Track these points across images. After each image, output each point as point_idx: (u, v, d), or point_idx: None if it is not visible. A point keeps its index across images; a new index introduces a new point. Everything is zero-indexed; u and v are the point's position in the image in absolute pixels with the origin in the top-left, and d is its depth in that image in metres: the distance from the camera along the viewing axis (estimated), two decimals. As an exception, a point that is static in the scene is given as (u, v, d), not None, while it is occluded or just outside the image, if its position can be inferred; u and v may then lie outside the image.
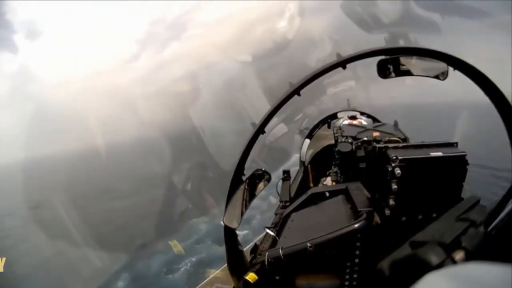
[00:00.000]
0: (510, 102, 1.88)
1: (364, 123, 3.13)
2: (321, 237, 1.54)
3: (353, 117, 3.37)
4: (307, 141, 3.76)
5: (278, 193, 2.79)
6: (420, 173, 1.52)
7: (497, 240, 0.98)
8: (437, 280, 0.75)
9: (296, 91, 1.96)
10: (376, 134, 2.36)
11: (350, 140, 2.36)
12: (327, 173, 2.79)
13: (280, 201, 2.72)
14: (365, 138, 2.30)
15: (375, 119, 3.83)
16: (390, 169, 1.52)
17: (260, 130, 1.99)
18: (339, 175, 2.57)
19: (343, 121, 3.23)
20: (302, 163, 3.63)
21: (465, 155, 1.54)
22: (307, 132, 4.16)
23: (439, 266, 1.06)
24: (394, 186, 1.52)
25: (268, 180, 1.99)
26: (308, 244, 1.52)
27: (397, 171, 1.50)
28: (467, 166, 1.55)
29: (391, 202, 1.54)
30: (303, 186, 3.12)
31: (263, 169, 2.00)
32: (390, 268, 1.37)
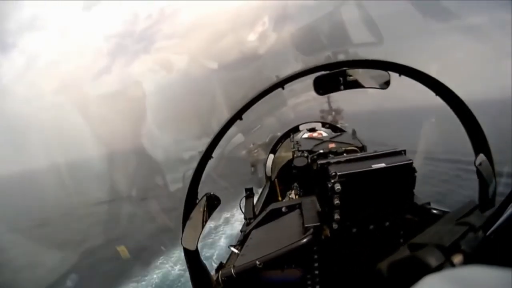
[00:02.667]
0: (459, 98, 1.96)
1: (325, 134, 3.16)
2: (269, 254, 1.57)
3: (312, 129, 3.40)
4: (271, 156, 3.74)
5: (241, 210, 2.76)
6: (362, 187, 1.54)
7: (496, 245, 0.97)
8: (435, 282, 0.74)
9: (238, 115, 1.99)
10: (332, 145, 2.38)
11: (305, 154, 2.37)
12: (292, 186, 2.80)
13: (245, 219, 2.70)
14: (321, 151, 2.29)
15: (337, 129, 3.90)
16: (330, 185, 1.53)
17: (207, 155, 2.00)
18: (298, 189, 2.56)
19: (303, 134, 3.24)
20: (267, 178, 3.61)
21: (411, 163, 1.55)
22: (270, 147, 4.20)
23: (438, 269, 1.04)
24: (337, 201, 1.53)
25: (218, 204, 1.97)
26: (257, 262, 1.54)
27: (337, 186, 1.52)
28: (415, 173, 1.57)
29: (336, 216, 1.56)
30: (270, 200, 3.09)
31: (212, 193, 1.98)
32: (388, 270, 1.34)
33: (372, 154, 1.68)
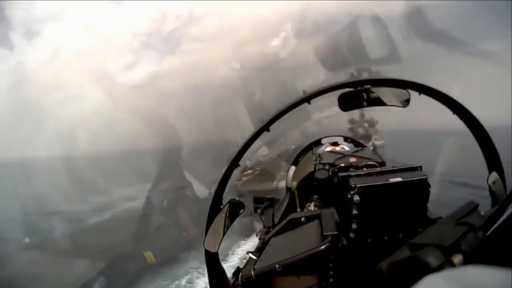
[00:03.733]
0: (477, 119, 2.05)
1: (347, 148, 3.19)
2: (288, 259, 1.63)
3: (335, 143, 3.43)
4: (293, 168, 3.80)
5: (261, 219, 2.83)
6: (379, 199, 1.61)
7: (496, 245, 0.99)
8: (435, 282, 0.75)
9: (266, 127, 2.14)
10: (352, 160, 2.44)
11: (327, 167, 2.42)
12: (312, 198, 2.84)
13: (264, 227, 2.78)
14: (342, 165, 2.35)
15: (358, 143, 3.91)
16: (349, 196, 1.62)
17: (234, 164, 2.15)
18: (318, 200, 2.61)
19: (325, 147, 3.28)
20: (288, 189, 3.65)
21: (426, 178, 1.61)
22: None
23: (438, 269, 1.06)
24: (355, 212, 1.61)
25: (242, 209, 2.13)
26: (277, 265, 1.61)
27: (356, 198, 1.60)
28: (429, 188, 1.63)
29: (354, 226, 1.64)
30: (289, 211, 3.14)
31: (238, 199, 2.13)
32: (389, 270, 1.37)
33: (390, 169, 1.75)
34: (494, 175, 2.05)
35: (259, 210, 2.87)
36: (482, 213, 1.39)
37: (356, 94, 2.09)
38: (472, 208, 1.49)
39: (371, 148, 3.20)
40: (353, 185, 1.61)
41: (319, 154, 2.93)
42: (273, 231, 2.17)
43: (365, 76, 2.26)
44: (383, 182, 1.61)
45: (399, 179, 1.61)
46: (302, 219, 2.08)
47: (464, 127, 2.12)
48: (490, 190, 1.98)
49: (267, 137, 2.22)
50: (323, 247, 1.62)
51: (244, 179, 25.64)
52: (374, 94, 2.09)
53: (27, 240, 23.50)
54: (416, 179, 1.62)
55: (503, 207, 1.01)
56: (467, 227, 1.22)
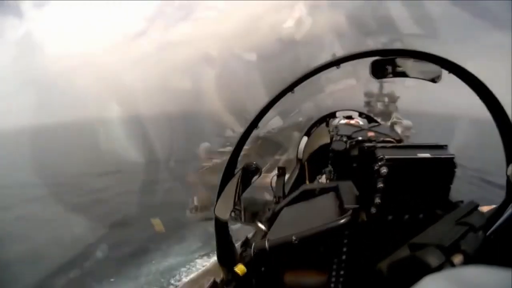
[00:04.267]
0: (505, 109, 1.93)
1: (361, 123, 3.11)
2: (306, 231, 1.57)
3: (349, 117, 3.35)
4: (305, 138, 3.71)
5: (272, 188, 2.82)
6: (406, 173, 1.55)
7: (496, 245, 0.99)
8: (435, 282, 0.75)
9: (290, 89, 2.02)
10: (371, 134, 2.36)
11: (344, 139, 2.36)
12: (323, 171, 2.79)
13: (274, 197, 2.75)
14: (360, 138, 2.28)
15: (372, 119, 3.82)
16: (376, 168, 1.54)
17: (254, 125, 2.04)
18: (333, 173, 2.58)
19: (340, 120, 3.21)
20: (298, 160, 3.62)
21: (453, 157, 1.55)
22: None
23: (438, 269, 1.07)
24: (380, 185, 1.54)
25: (259, 174, 2.02)
26: (293, 237, 1.55)
27: (383, 170, 1.52)
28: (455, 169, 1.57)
29: (377, 200, 1.58)
30: (299, 183, 3.13)
31: (254, 163, 2.03)
32: (389, 269, 1.39)
33: (417, 144, 1.68)
34: None
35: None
36: (482, 213, 1.37)
37: (390, 62, 1.98)
38: (472, 208, 1.47)
39: (388, 125, 3.10)
40: (381, 156, 1.55)
41: (336, 126, 2.86)
42: (284, 202, 2.12)
43: (398, 45, 2.14)
44: (412, 156, 1.55)
45: (427, 155, 1.54)
46: (316, 190, 2.03)
47: (484, 115, 2.02)
48: (508, 182, 1.91)
49: (281, 107, 2.13)
50: (343, 220, 1.56)
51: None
52: (408, 65, 1.99)
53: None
54: (445, 157, 1.55)
55: (503, 207, 1.00)
56: (467, 227, 1.22)
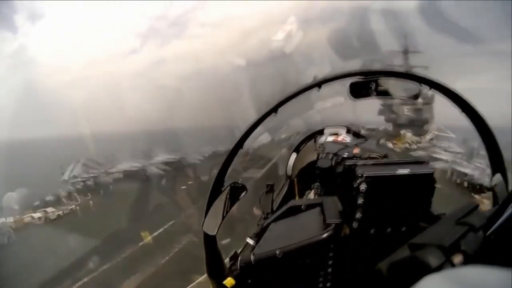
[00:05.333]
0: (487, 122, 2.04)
1: (348, 139, 3.16)
2: (290, 245, 1.62)
3: (336, 134, 3.40)
4: (294, 155, 3.77)
5: (260, 205, 2.85)
6: (386, 189, 1.62)
7: (496, 245, 1.00)
8: (435, 282, 0.76)
9: (273, 110, 2.14)
10: (356, 150, 2.40)
11: (330, 157, 2.42)
12: (312, 186, 2.83)
13: (263, 213, 2.80)
14: (345, 155, 2.32)
15: (359, 136, 3.88)
16: (356, 185, 1.61)
17: (239, 145, 2.15)
18: (320, 189, 2.61)
19: (327, 137, 3.26)
20: (287, 176, 3.66)
21: (432, 173, 1.61)
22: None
23: (438, 269, 1.07)
24: (361, 201, 1.61)
25: (246, 192, 2.11)
26: (278, 252, 1.60)
27: (363, 186, 1.59)
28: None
29: (358, 215, 1.63)
30: (288, 199, 3.15)
31: (240, 182, 2.12)
32: (389, 269, 1.39)
33: (398, 161, 1.75)
34: (498, 177, 2.04)
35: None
36: (482, 213, 1.39)
37: (367, 84, 2.11)
38: (472, 208, 1.51)
39: (374, 141, 3.18)
40: (360, 174, 1.61)
41: (322, 143, 2.94)
42: (272, 217, 2.17)
43: (377, 67, 2.26)
44: (391, 173, 1.61)
45: (406, 171, 1.60)
46: (302, 206, 2.07)
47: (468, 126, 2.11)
48: (493, 192, 1.98)
49: (270, 124, 2.23)
50: (325, 234, 1.61)
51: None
52: (384, 86, 2.11)
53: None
54: (424, 173, 1.61)
55: (503, 207, 1.01)
56: (467, 227, 1.23)
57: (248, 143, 2.20)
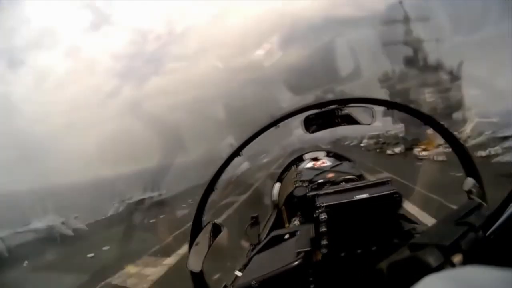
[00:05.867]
0: (453, 133, 2.17)
1: (328, 163, 3.21)
2: (264, 275, 1.67)
3: (315, 159, 3.46)
4: (278, 184, 3.82)
5: (247, 237, 2.82)
6: (346, 215, 1.67)
7: (496, 245, 0.99)
8: (435, 282, 0.75)
9: (236, 153, 2.28)
10: (330, 175, 2.48)
11: (305, 184, 2.48)
12: (297, 214, 2.85)
13: (251, 245, 2.76)
14: (321, 181, 2.40)
15: (341, 157, 3.94)
16: (315, 215, 1.67)
17: (210, 188, 2.24)
18: (301, 217, 2.64)
19: (307, 163, 3.32)
20: (274, 205, 3.66)
21: (392, 193, 1.65)
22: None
23: (438, 269, 1.05)
24: (323, 229, 1.66)
25: (221, 231, 2.18)
26: (253, 282, 1.64)
27: (322, 216, 1.65)
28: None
29: (324, 242, 1.68)
30: (275, 228, 3.15)
31: (216, 221, 2.20)
32: (388, 270, 1.37)
33: (359, 185, 1.79)
34: (470, 180, 2.09)
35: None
36: (483, 213, 1.41)
37: (321, 116, 2.24)
38: (473, 207, 1.51)
39: (351, 162, 3.26)
40: (319, 205, 1.67)
41: (298, 171, 3.01)
42: (257, 248, 2.20)
43: (330, 97, 2.42)
44: (349, 200, 1.67)
45: (365, 195, 1.66)
46: (285, 236, 2.10)
47: None
48: (469, 197, 2.00)
49: (250, 151, 2.34)
50: (295, 263, 1.66)
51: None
52: (340, 114, 2.23)
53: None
54: (383, 194, 1.66)
55: (503, 207, 1.03)
56: (467, 226, 1.23)
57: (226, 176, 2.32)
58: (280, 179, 3.86)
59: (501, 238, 1.00)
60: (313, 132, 2.24)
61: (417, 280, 0.77)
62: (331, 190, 1.82)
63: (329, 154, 3.89)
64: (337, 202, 1.67)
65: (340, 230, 1.68)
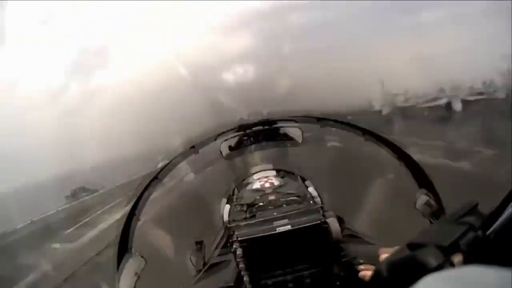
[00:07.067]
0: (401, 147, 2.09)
1: (276, 182, 3.02)
2: None
3: (263, 178, 3.23)
4: (228, 206, 3.60)
5: (193, 264, 2.61)
6: (266, 249, 1.54)
7: (496, 244, 0.95)
8: (435, 282, 0.73)
9: (155, 178, 2.16)
10: (272, 197, 2.32)
11: (244, 208, 2.33)
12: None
13: (196, 271, 2.57)
14: (261, 204, 2.25)
15: (292, 174, 3.77)
16: (232, 250, 1.56)
17: (132, 217, 2.05)
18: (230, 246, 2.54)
19: (254, 183, 3.09)
20: (226, 228, 3.41)
21: (320, 223, 1.56)
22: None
23: (437, 269, 0.97)
24: (242, 265, 1.53)
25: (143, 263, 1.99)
26: None
27: (238, 251, 1.52)
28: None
29: (246, 278, 1.55)
30: (227, 246, 3.00)
31: (137, 253, 1.99)
32: (387, 270, 1.25)
33: (283, 214, 1.68)
34: (423, 197, 1.97)
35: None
36: (482, 212, 1.41)
37: (242, 140, 2.23)
38: (472, 207, 1.51)
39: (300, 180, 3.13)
40: (235, 238, 1.55)
41: (239, 195, 2.85)
42: (196, 278, 2.08)
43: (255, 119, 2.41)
44: (269, 233, 1.55)
45: (288, 227, 1.55)
46: (222, 264, 1.99)
47: None
48: (423, 214, 1.92)
49: (196, 163, 2.23)
50: None
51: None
52: (264, 135, 2.25)
53: None
54: (307, 226, 1.56)
55: (502, 206, 1.02)
56: (466, 226, 1.21)
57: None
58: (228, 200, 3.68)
59: (501, 238, 0.98)
60: (232, 158, 2.27)
61: (416, 280, 0.74)
62: (254, 221, 1.71)
63: (279, 172, 3.71)
64: (255, 235, 1.54)
65: (262, 265, 1.54)
